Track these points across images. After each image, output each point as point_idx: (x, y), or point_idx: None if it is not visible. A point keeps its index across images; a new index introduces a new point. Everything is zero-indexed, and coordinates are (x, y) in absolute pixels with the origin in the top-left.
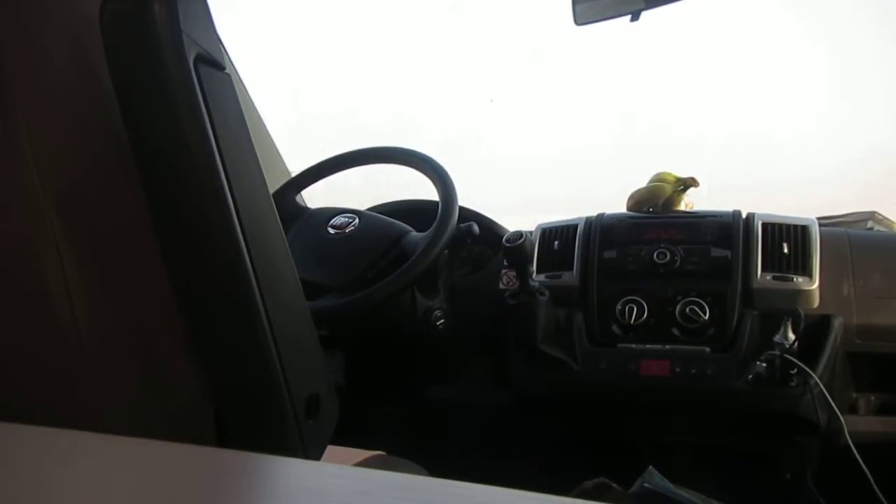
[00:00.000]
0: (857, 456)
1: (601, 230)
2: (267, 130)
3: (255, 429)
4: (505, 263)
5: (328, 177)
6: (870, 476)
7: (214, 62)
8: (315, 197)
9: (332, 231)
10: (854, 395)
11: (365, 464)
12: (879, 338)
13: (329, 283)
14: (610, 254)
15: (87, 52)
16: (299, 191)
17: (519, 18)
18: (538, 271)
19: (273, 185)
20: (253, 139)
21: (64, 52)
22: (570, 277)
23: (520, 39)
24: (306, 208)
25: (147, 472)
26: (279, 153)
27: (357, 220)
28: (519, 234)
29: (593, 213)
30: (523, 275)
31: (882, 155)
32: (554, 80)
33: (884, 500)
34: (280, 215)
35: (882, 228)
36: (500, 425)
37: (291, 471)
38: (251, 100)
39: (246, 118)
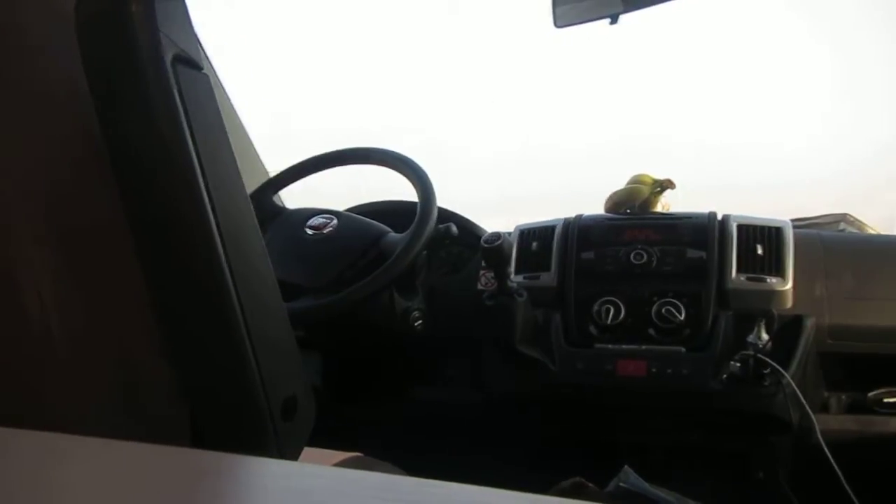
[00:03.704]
0: (829, 454)
1: (579, 231)
2: (245, 130)
3: (231, 430)
4: (483, 264)
5: (306, 177)
6: (840, 474)
7: (192, 62)
8: (293, 197)
9: (310, 231)
10: (825, 394)
11: (342, 465)
12: (850, 338)
13: (307, 284)
14: (588, 255)
15: (62, 51)
16: (277, 191)
17: (500, 20)
18: (516, 272)
19: (251, 186)
20: (230, 139)
21: (38, 52)
22: (548, 278)
23: (499, 41)
24: (284, 208)
25: (121, 474)
26: (257, 153)
27: (335, 221)
28: (497, 235)
29: (571, 213)
30: (501, 276)
31: (858, 161)
32: (534, 82)
33: (854, 497)
34: (257, 215)
35: (853, 230)
36: (478, 425)
37: (268, 471)
38: (229, 100)
39: (224, 118)
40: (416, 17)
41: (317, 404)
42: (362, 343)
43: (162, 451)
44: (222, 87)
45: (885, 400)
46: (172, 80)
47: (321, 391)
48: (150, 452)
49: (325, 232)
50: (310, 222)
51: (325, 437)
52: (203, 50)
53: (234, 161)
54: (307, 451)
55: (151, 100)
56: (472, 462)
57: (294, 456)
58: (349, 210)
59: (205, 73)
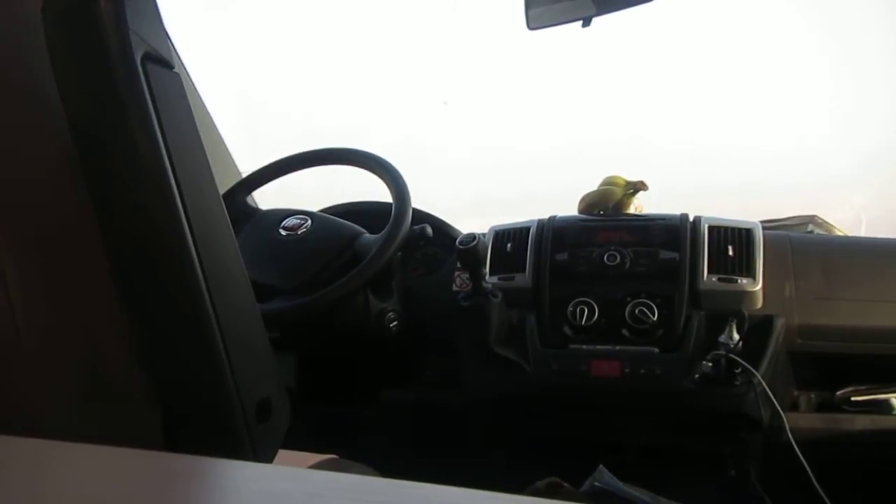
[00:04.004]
0: (798, 452)
1: (553, 232)
2: (217, 131)
3: (203, 433)
4: (458, 265)
5: (280, 178)
6: (810, 471)
7: (163, 60)
8: (266, 198)
9: (284, 232)
10: (795, 393)
11: (317, 467)
12: (819, 337)
13: (281, 285)
14: (562, 256)
15: (29, 48)
16: (250, 191)
17: (473, 20)
18: (491, 273)
19: (223, 186)
20: (203, 139)
21: (5, 50)
22: (523, 279)
23: (473, 41)
24: (257, 209)
25: (91, 479)
26: (230, 153)
27: (310, 222)
28: (472, 237)
29: (545, 215)
30: (476, 277)
31: (828, 165)
32: (507, 83)
33: (823, 494)
34: (230, 216)
35: (822, 232)
36: (454, 426)
37: (242, 474)
38: (201, 99)
39: (195, 118)
40: (401, 18)
41: (291, 406)
42: (337, 344)
43: (133, 454)
44: (194, 87)
45: (853, 398)
46: (143, 79)
47: (296, 393)
48: (121, 456)
49: (299, 233)
50: (284, 223)
51: (300, 438)
52: (174, 48)
53: (207, 161)
54: (282, 454)
55: (121, 99)
56: (448, 463)
57: (268, 458)
58: (323, 211)
59: (176, 73)
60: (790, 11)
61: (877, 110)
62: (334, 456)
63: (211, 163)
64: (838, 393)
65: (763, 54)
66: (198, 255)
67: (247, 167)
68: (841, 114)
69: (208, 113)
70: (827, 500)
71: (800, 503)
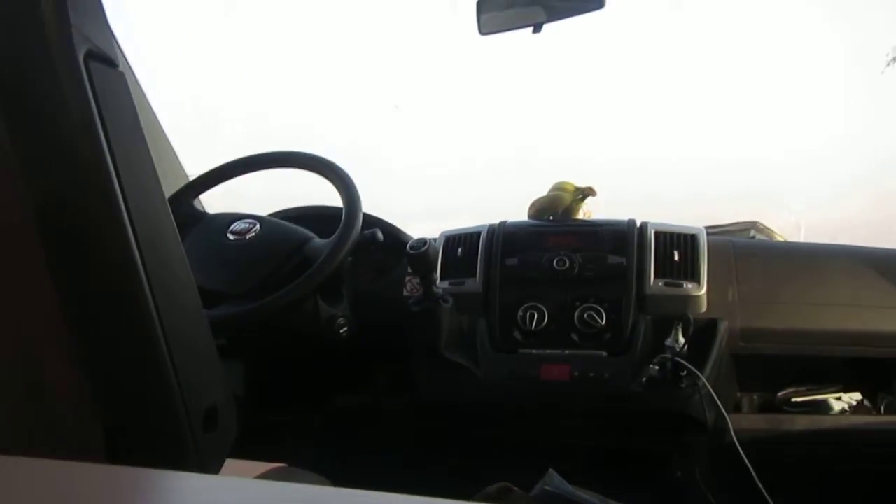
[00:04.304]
0: (741, 452)
1: (503, 237)
2: (164, 132)
3: (148, 443)
4: (409, 270)
5: (228, 181)
6: (752, 471)
7: (107, 59)
8: (214, 202)
9: (232, 237)
10: (738, 394)
11: (266, 476)
12: (761, 340)
13: (228, 291)
14: (512, 261)
15: None
16: (197, 195)
17: (424, 30)
18: (442, 278)
19: (170, 189)
20: (148, 140)
21: None
22: (473, 284)
23: (427, 52)
24: (205, 213)
25: (26, 494)
26: (176, 156)
27: (258, 226)
28: (423, 242)
29: (496, 220)
30: (427, 282)
31: (770, 173)
32: (459, 93)
33: (765, 493)
34: (176, 220)
35: (763, 237)
36: (405, 432)
37: (187, 486)
38: (147, 100)
39: (140, 119)
40: (355, 21)
41: (239, 414)
42: (286, 351)
43: (73, 467)
44: (139, 86)
45: (794, 399)
46: (85, 78)
47: (244, 400)
48: (58, 468)
49: (247, 237)
50: (232, 227)
51: (249, 447)
52: (119, 47)
53: (152, 163)
54: (229, 463)
55: (63, 97)
56: (400, 469)
57: (215, 468)
58: (272, 215)
59: (120, 71)
60: (734, 21)
61: (815, 121)
62: (284, 464)
63: (157, 165)
64: (779, 394)
65: (708, 67)
66: (142, 259)
67: (196, 171)
68: (782, 125)
69: (155, 114)
70: (769, 499)
71: (743, 502)
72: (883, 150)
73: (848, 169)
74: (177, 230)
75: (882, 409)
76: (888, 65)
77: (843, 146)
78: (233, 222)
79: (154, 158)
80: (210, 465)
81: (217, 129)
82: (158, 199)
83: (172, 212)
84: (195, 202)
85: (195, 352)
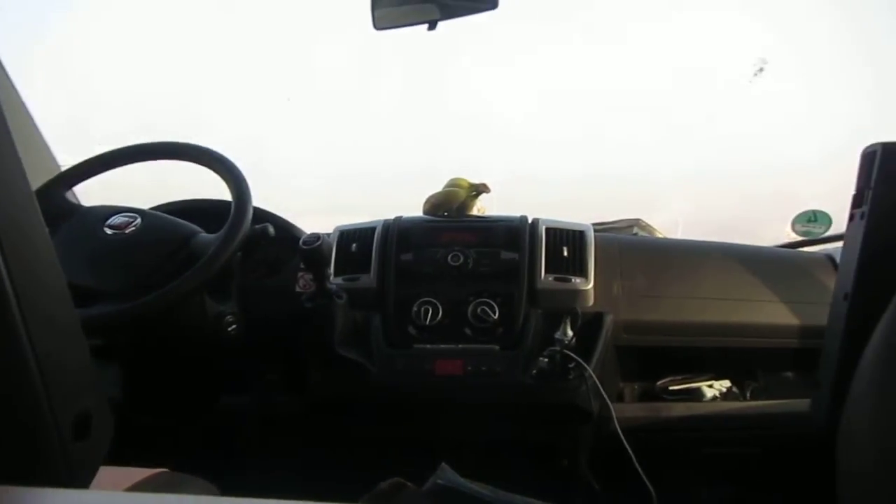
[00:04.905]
0: (623, 439)
1: (398, 233)
2: (32, 119)
3: (11, 455)
4: (302, 266)
5: (106, 173)
6: (633, 457)
7: None
8: (91, 195)
9: (109, 231)
10: (621, 384)
11: (147, 483)
12: (643, 332)
13: (104, 288)
14: (407, 256)
15: None
16: (70, 187)
17: (323, 28)
18: (335, 274)
19: (38, 180)
20: (12, 128)
21: None
22: (368, 280)
23: (323, 48)
24: (79, 206)
25: None
26: (47, 145)
27: (139, 220)
28: (316, 237)
29: (391, 215)
30: (321, 277)
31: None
32: (355, 89)
33: (645, 478)
34: (45, 213)
35: (645, 234)
36: (297, 432)
37: (53, 502)
38: (13, 85)
39: (3, 107)
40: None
41: (116, 419)
42: (169, 350)
43: None
44: (5, 73)
45: (671, 388)
46: None
47: (122, 404)
48: None
49: (126, 232)
50: (109, 221)
51: (127, 454)
52: None
53: (16, 152)
54: (106, 471)
55: None
56: (293, 470)
57: (87, 479)
58: (155, 209)
59: None
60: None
61: (701, 124)
62: (165, 470)
63: (23, 155)
64: (658, 383)
65: (602, 63)
66: (3, 255)
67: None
68: (665, 126)
69: (22, 102)
70: (648, 484)
71: (626, 488)
72: (750, 159)
73: (722, 172)
74: (44, 224)
75: (748, 395)
76: (755, 74)
77: (715, 155)
78: (110, 216)
79: (20, 149)
80: (81, 476)
81: (100, 120)
82: (23, 191)
83: (40, 204)
84: (67, 194)
85: (64, 354)
